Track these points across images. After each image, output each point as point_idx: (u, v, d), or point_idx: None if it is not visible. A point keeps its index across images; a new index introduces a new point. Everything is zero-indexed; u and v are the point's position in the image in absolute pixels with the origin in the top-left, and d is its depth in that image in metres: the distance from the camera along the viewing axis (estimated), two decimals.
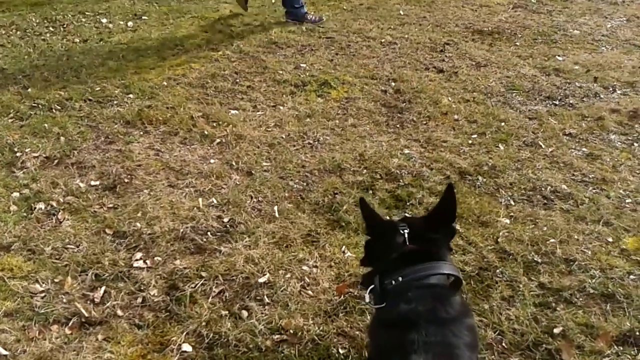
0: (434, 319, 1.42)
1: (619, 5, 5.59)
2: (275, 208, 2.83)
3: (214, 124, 3.54)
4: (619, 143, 3.40)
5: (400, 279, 1.53)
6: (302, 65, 4.33)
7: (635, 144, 3.37)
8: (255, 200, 2.89)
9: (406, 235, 1.60)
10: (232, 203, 2.85)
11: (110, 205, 2.81)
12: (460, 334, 1.40)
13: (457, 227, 2.61)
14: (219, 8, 5.50)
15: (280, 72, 4.21)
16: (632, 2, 5.67)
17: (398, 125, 3.60)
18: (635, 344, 2.08)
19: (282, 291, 2.31)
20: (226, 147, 3.33)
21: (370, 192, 2.96)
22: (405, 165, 3.19)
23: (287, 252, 2.53)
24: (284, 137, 3.44)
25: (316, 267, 2.45)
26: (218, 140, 3.38)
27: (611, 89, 4.02)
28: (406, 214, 2.77)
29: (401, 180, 3.05)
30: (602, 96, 3.93)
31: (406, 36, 4.88)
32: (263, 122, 3.58)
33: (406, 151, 3.32)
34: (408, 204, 2.87)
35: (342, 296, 2.29)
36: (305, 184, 3.04)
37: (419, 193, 2.94)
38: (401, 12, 5.36)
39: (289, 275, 2.40)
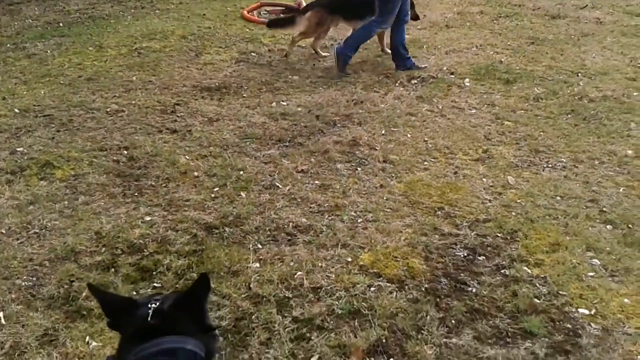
0: None
1: (329, 49, 6.24)
2: (1, 314, 2.44)
3: None
4: (345, 170, 3.73)
5: (134, 356, 1.38)
6: (18, 149, 3.88)
7: (359, 169, 3.74)
8: None
9: (151, 311, 1.45)
10: None
11: None
12: None
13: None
14: None
15: None
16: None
17: (136, 194, 3.43)
18: (384, 351, 2.23)
19: None
20: None
21: (112, 270, 2.74)
22: (148, 233, 3.03)
23: None
24: (4, 232, 3.01)
25: None
26: None
27: (332, 124, 4.42)
28: (155, 284, 2.64)
29: (145, 250, 2.90)
30: (325, 131, 4.30)
31: (133, 102, 4.74)
32: None
33: (148, 218, 3.18)
34: (155, 272, 2.73)
35: None
36: (35, 279, 2.68)
37: (166, 259, 2.82)
38: (125, 79, 5.22)
39: None
